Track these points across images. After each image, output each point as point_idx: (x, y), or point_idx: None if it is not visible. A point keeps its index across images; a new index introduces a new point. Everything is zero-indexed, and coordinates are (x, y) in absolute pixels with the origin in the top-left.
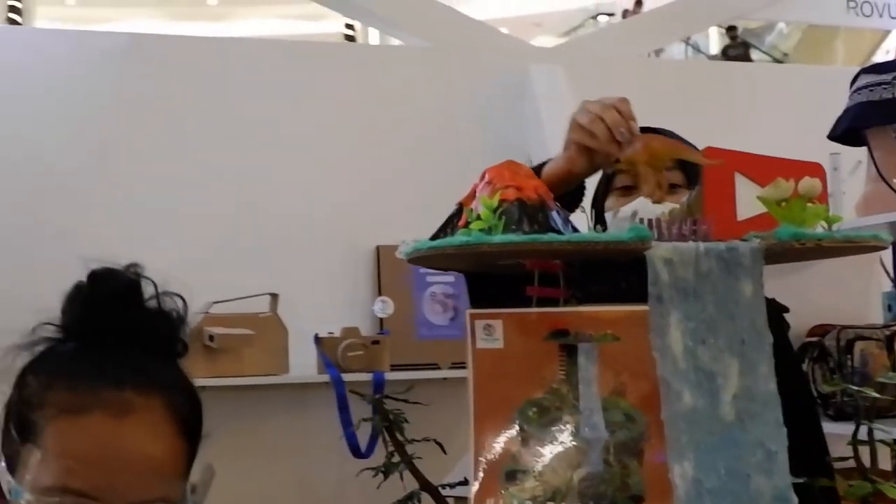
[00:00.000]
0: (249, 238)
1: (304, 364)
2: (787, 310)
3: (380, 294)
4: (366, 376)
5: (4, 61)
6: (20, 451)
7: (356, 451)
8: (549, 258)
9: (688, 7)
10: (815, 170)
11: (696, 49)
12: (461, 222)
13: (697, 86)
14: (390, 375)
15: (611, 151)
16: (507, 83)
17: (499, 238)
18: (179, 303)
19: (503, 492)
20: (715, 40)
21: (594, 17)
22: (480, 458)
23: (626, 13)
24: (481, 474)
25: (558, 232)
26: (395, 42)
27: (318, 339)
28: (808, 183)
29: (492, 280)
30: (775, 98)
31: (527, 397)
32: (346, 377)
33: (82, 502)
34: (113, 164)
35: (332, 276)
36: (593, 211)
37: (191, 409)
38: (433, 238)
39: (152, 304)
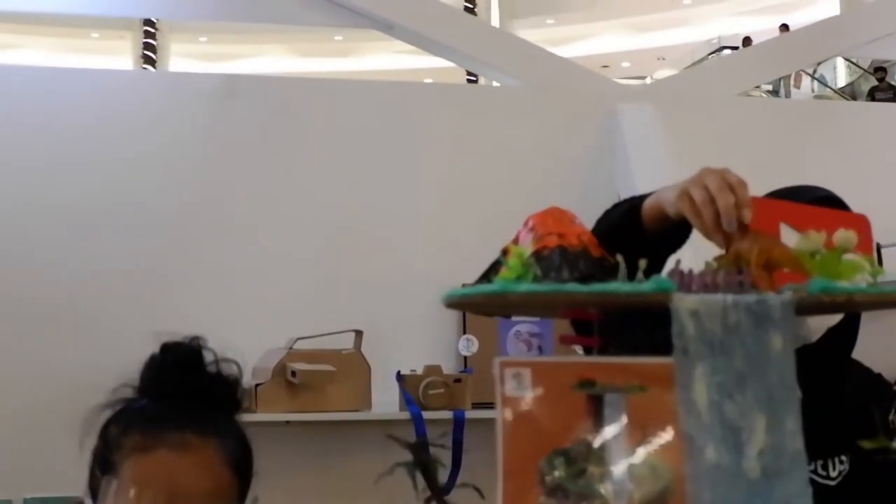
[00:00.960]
0: (336, 275)
1: (387, 401)
2: (890, 386)
3: (465, 332)
4: (447, 414)
5: (98, 104)
6: (101, 485)
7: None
8: (575, 308)
9: (789, 43)
10: (859, 222)
11: (823, 83)
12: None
13: (792, 125)
14: (472, 414)
15: (713, 240)
16: (595, 121)
17: (524, 287)
18: (235, 368)
19: None
20: (843, 73)
21: (718, 51)
22: None
23: (747, 45)
24: None
25: (599, 280)
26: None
27: (400, 377)
28: (843, 235)
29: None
30: (879, 140)
31: (554, 447)
32: (428, 415)
33: None
34: (206, 205)
35: (417, 314)
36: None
37: (241, 453)
38: (473, 285)
39: (212, 368)
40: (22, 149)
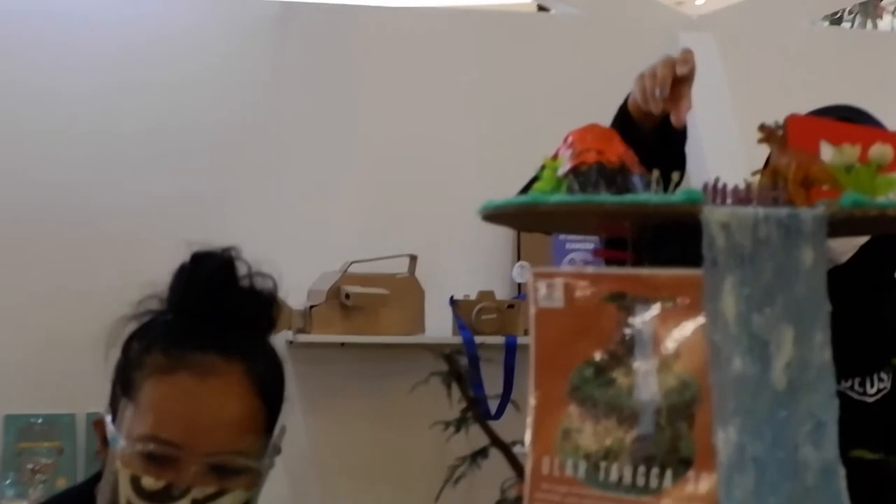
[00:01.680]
0: (392, 200)
1: (440, 326)
2: None
3: (519, 259)
4: (499, 339)
5: (149, 29)
6: (120, 405)
7: (486, 413)
8: (605, 219)
9: None
10: None
11: None
12: None
13: (864, 58)
14: (524, 339)
15: (651, 107)
16: (655, 51)
17: (555, 198)
18: (270, 283)
19: (558, 450)
20: None
21: None
22: (539, 417)
23: None
24: (540, 432)
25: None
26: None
27: (453, 301)
28: (879, 150)
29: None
30: None
31: (585, 357)
32: (480, 339)
33: (168, 450)
34: (261, 131)
35: (471, 240)
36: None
37: (271, 377)
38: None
39: (245, 283)
40: (71, 75)
